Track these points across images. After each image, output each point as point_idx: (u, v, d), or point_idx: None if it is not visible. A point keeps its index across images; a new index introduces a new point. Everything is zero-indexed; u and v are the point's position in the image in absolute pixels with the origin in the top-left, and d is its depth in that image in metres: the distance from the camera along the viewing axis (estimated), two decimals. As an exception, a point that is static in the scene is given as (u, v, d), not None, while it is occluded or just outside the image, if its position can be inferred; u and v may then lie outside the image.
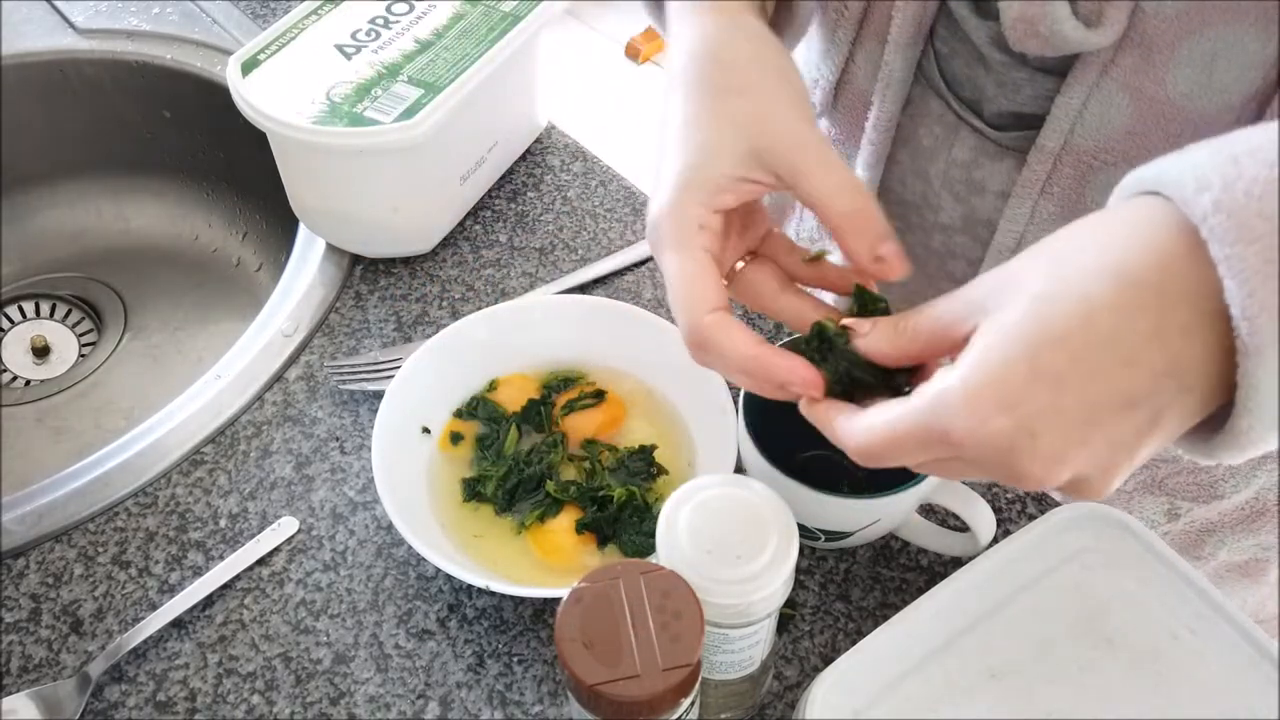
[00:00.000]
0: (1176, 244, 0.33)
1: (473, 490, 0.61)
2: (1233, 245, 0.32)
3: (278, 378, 0.69)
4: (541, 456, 0.61)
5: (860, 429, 0.39)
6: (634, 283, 0.74)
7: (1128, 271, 0.34)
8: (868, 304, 0.44)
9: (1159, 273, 0.34)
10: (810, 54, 0.66)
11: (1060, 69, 0.52)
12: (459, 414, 0.64)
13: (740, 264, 0.47)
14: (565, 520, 0.59)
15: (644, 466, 0.61)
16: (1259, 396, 0.33)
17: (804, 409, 0.42)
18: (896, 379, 0.42)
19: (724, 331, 0.42)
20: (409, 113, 0.67)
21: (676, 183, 0.44)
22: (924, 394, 0.36)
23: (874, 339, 0.41)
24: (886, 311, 0.44)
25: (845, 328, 0.43)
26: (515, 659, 0.56)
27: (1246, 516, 0.69)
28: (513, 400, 0.64)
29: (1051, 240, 0.37)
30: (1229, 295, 0.32)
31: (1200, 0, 0.47)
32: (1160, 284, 0.33)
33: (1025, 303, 0.35)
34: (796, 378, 0.41)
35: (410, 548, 0.56)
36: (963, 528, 0.56)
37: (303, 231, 0.77)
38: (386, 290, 0.74)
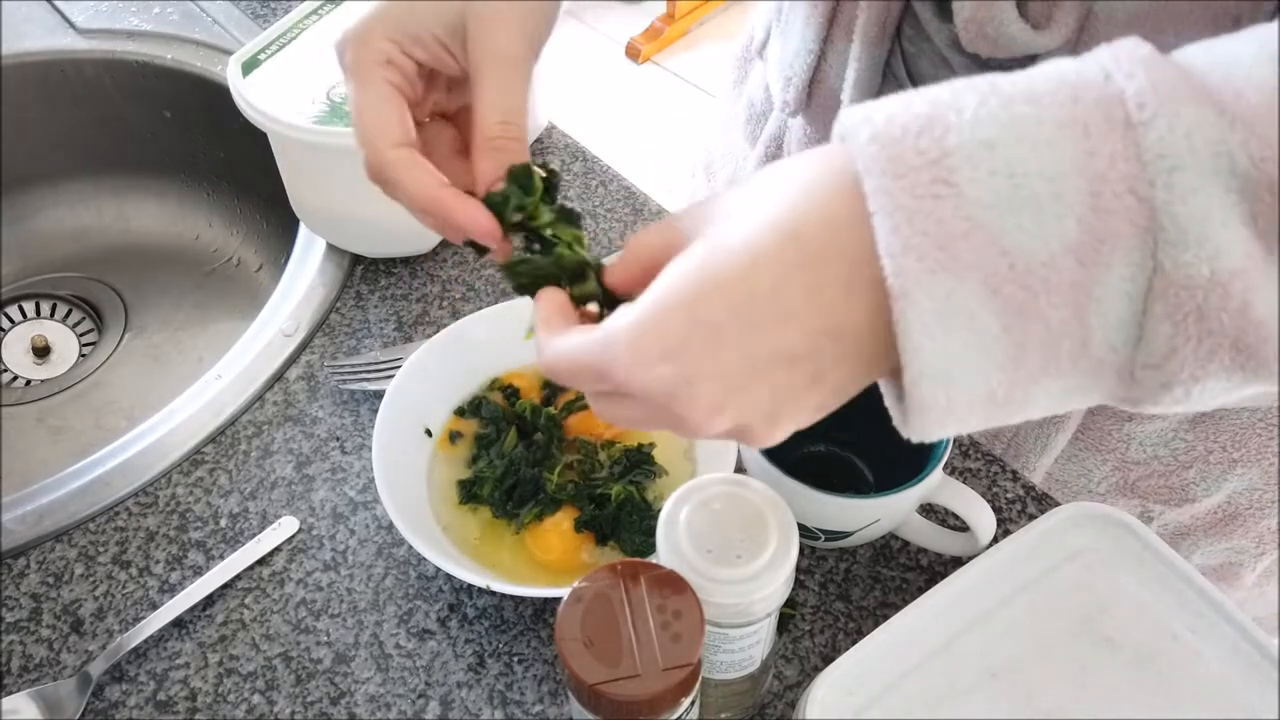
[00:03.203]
0: (844, 199, 0.32)
1: (470, 493, 0.61)
2: (880, 178, 0.31)
3: (278, 377, 0.69)
4: (541, 457, 0.61)
5: (552, 347, 0.38)
6: (634, 283, 0.74)
7: (793, 226, 0.33)
8: (520, 177, 0.43)
9: (822, 227, 0.32)
10: (785, 52, 0.66)
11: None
12: (460, 412, 0.64)
13: (428, 120, 0.47)
14: (563, 519, 0.59)
15: (643, 466, 0.61)
16: (912, 343, 0.31)
17: (538, 305, 0.41)
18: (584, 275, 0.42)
19: (405, 170, 0.42)
20: (409, 113, 0.67)
21: (374, 12, 0.43)
22: (603, 328, 0.35)
23: (617, 272, 0.40)
24: (542, 189, 0.43)
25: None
26: (515, 659, 0.56)
27: (1219, 520, 0.69)
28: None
29: (748, 183, 0.36)
30: (877, 233, 0.31)
31: (1154, 2, 0.46)
32: (823, 240, 0.32)
33: (699, 247, 0.34)
34: (474, 224, 0.41)
35: (410, 547, 0.57)
36: (963, 528, 0.56)
37: (303, 231, 0.77)
38: (387, 290, 0.74)
